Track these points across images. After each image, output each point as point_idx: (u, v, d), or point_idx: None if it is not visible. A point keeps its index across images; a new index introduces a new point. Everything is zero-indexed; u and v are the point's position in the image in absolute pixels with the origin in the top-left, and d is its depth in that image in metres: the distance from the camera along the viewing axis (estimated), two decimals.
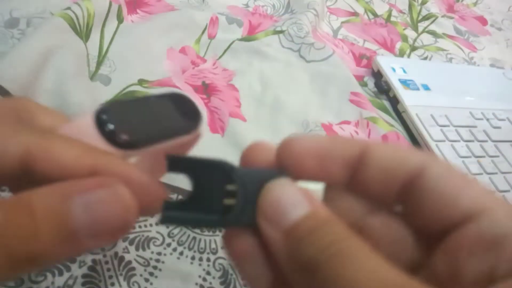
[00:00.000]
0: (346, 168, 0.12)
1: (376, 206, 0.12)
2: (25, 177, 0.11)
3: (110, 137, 0.11)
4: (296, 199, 0.11)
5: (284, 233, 0.10)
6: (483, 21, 0.54)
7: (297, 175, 0.12)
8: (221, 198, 0.12)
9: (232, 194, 0.12)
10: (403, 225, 0.12)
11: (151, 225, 0.24)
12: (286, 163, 0.12)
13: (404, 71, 0.39)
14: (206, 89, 0.32)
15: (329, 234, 0.10)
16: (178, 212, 0.12)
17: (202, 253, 0.23)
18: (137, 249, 0.22)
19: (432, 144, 0.33)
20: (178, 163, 0.12)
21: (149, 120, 0.13)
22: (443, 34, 0.48)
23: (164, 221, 0.12)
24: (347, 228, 0.10)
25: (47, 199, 0.09)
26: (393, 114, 0.37)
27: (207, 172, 0.12)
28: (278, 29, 0.39)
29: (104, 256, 0.22)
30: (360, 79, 0.39)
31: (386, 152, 0.11)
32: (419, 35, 0.47)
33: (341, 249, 0.09)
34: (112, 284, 0.21)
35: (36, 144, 0.10)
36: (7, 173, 0.10)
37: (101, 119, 0.11)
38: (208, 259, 0.23)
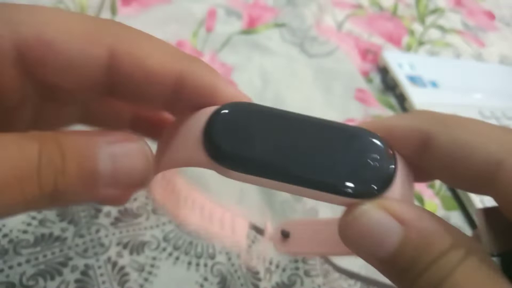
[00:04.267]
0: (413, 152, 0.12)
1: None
2: (108, 85, 0.10)
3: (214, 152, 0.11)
4: (387, 225, 0.10)
5: (383, 262, 0.10)
6: (491, 16, 0.52)
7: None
8: None
9: None
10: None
11: (145, 228, 0.23)
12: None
13: (412, 67, 0.37)
14: None
15: (437, 268, 0.09)
16: None
17: (199, 258, 0.22)
18: (131, 253, 0.22)
19: None
20: None
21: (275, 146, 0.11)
22: (451, 29, 0.47)
23: None
24: (445, 241, 0.09)
25: (77, 143, 0.10)
26: (400, 112, 0.36)
27: None
28: (280, 22, 0.37)
29: (97, 260, 0.21)
30: (365, 75, 0.38)
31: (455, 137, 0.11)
32: (426, 29, 0.46)
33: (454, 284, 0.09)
34: None
35: (120, 46, 0.10)
36: (90, 80, 0.10)
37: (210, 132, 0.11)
38: (206, 264, 0.22)
